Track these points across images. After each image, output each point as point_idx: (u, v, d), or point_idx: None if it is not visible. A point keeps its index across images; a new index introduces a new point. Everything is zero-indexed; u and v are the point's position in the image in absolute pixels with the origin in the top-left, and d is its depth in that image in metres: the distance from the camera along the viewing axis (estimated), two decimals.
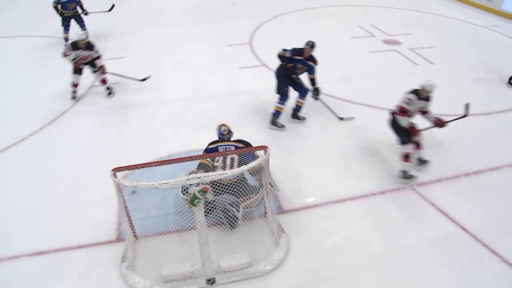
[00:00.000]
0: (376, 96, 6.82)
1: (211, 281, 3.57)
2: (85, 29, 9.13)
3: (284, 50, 5.78)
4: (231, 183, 3.86)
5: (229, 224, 4.02)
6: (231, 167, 4.01)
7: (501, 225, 4.31)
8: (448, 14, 11.52)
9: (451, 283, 3.68)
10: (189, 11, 11.76)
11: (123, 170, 3.49)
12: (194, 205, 3.18)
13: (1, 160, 5.56)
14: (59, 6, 8.79)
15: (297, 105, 6.07)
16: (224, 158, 4.16)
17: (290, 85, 5.88)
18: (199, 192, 3.11)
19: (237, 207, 4.03)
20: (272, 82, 5.93)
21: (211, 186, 3.61)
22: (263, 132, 5.86)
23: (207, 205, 3.84)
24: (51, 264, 3.96)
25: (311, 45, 5.81)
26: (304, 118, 6.16)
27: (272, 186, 4.19)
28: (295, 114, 6.14)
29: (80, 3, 9.05)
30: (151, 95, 6.99)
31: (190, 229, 4.02)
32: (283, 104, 5.86)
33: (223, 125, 4.72)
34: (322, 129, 5.98)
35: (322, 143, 5.67)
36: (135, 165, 3.48)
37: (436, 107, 6.47)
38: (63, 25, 9.06)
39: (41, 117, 6.44)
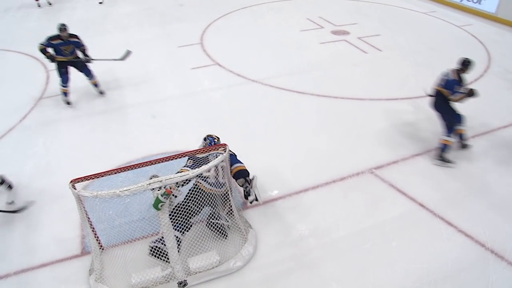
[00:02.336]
0: (330, 86, 7.00)
1: (182, 284, 3.55)
2: (91, 77, 6.88)
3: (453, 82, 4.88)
4: (219, 195, 3.91)
5: (220, 234, 3.98)
6: (223, 175, 3.96)
7: (454, 199, 4.56)
8: (390, 3, 11.96)
9: (415, 258, 3.85)
10: (136, 15, 11.50)
11: (82, 181, 3.39)
12: (158, 209, 3.15)
13: None
14: (49, 49, 6.36)
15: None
16: (216, 167, 3.94)
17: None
18: (162, 195, 3.09)
19: (217, 217, 3.99)
20: (225, 80, 5.93)
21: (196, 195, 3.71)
22: (220, 129, 5.83)
23: (183, 225, 3.80)
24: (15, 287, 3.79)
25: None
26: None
27: (256, 199, 4.20)
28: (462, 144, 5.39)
29: (82, 46, 6.57)
30: (102, 102, 6.83)
31: (156, 234, 3.98)
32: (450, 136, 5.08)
33: (210, 135, 4.63)
34: (278, 123, 6.06)
35: (278, 136, 5.76)
36: (93, 174, 3.40)
37: (385, 91, 6.80)
38: (59, 75, 6.60)
39: None
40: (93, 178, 3.41)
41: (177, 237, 3.63)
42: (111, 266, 3.76)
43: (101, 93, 7.04)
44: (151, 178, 3.22)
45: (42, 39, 6.34)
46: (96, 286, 3.59)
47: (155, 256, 3.67)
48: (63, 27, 6.23)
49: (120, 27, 10.61)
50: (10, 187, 4.78)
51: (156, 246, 3.66)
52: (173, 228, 3.60)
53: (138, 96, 7.00)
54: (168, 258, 3.56)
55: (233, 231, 4.05)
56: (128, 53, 7.04)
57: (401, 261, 3.84)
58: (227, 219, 4.04)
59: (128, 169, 3.50)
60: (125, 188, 3.09)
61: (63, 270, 3.91)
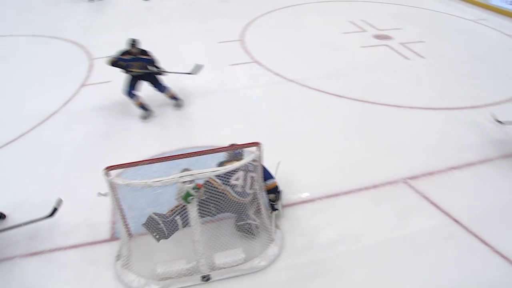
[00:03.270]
0: (367, 91, 6.86)
1: (206, 278, 3.57)
2: (166, 91, 6.43)
3: None
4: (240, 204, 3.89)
5: (249, 235, 3.97)
6: (251, 185, 3.97)
7: (492, 216, 4.35)
8: (437, 9, 11.62)
9: (443, 274, 3.71)
10: (179, 9, 11.71)
11: (116, 169, 3.47)
12: (188, 202, 3.18)
13: None
14: (121, 63, 6.02)
15: None
16: (245, 177, 3.98)
17: None
18: (193, 189, 3.11)
19: (245, 217, 3.97)
20: (263, 79, 5.92)
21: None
22: (255, 127, 5.86)
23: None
24: (46, 265, 3.93)
25: None
26: None
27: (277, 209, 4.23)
28: None
29: (153, 62, 6.16)
30: (143, 94, 6.96)
31: (184, 226, 4.01)
32: None
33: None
34: (313, 125, 5.99)
35: (312, 137, 5.69)
36: (127, 163, 3.47)
37: (425, 100, 6.59)
38: (127, 87, 6.14)
39: (31, 117, 6.38)
40: (127, 167, 3.48)
41: (176, 223, 3.69)
42: (138, 254, 3.84)
43: (179, 105, 6.53)
44: (182, 171, 3.25)
45: (93, 32, 6.53)
46: (122, 272, 3.66)
47: (147, 227, 3.67)
48: (133, 43, 5.90)
49: (162, 21, 10.82)
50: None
51: (152, 218, 3.67)
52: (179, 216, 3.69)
53: (174, 89, 7.09)
54: (158, 235, 3.61)
55: (260, 230, 4.03)
56: (198, 67, 6.72)
57: (430, 275, 3.71)
58: (255, 218, 4.02)
59: (161, 161, 3.55)
60: (156, 179, 3.14)
61: (92, 253, 4.02)
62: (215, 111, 6.37)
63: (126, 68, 5.98)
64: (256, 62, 7.99)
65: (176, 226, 3.72)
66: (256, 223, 3.98)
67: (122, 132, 5.93)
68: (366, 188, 4.74)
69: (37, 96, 7.15)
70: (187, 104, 6.55)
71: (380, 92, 6.83)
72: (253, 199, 4.03)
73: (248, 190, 3.92)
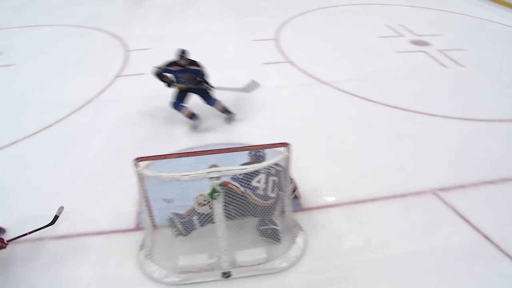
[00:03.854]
0: (401, 97, 6.70)
1: (226, 275, 3.58)
2: (216, 104, 5.96)
3: None
4: (261, 207, 3.87)
5: (273, 239, 3.93)
6: (273, 189, 3.95)
7: None
8: (479, 15, 11.21)
9: None
10: (216, 5, 11.79)
11: (145, 160, 3.53)
12: (214, 199, 3.20)
13: (28, 145, 5.72)
14: (169, 75, 5.78)
15: None
16: (267, 180, 3.97)
17: None
18: (219, 186, 3.12)
19: (268, 222, 3.94)
20: (296, 79, 5.88)
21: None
22: (285, 128, 5.82)
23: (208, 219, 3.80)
24: (72, 248, 4.05)
25: None
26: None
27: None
28: None
29: (202, 74, 5.77)
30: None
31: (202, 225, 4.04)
32: None
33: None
34: (344, 128, 5.90)
35: (342, 141, 5.62)
36: (157, 155, 3.52)
37: (462, 110, 6.39)
38: (174, 99, 5.83)
39: (67, 105, 6.59)
40: (156, 159, 3.53)
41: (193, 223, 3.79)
42: (161, 246, 3.90)
43: (231, 120, 6.07)
44: (210, 167, 3.27)
45: (131, 24, 6.64)
46: (144, 262, 3.72)
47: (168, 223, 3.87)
48: (182, 54, 5.52)
49: (199, 16, 10.93)
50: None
51: (171, 219, 3.85)
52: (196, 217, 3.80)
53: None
54: (176, 232, 3.82)
55: (283, 231, 4.01)
56: (254, 84, 6.42)
57: None
58: (278, 223, 3.96)
59: (190, 155, 3.58)
60: (184, 173, 3.16)
61: (117, 240, 4.11)
62: (245, 109, 6.37)
63: (171, 83, 5.70)
64: (290, 62, 7.95)
65: (192, 226, 3.82)
66: (279, 228, 3.93)
67: (153, 124, 6.02)
68: (394, 197, 4.64)
69: (74, 84, 7.39)
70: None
71: (414, 99, 6.67)
72: (276, 202, 4.00)
73: (270, 194, 3.89)
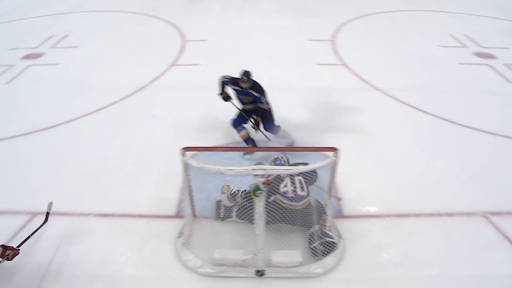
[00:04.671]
0: (458, 111, 6.37)
1: (260, 273, 3.57)
2: (275, 132, 5.31)
3: None
4: (299, 211, 3.85)
5: (331, 252, 3.82)
6: (302, 187, 3.92)
7: None
8: None
9: None
10: (274, 2, 11.76)
11: (192, 150, 3.58)
12: (256, 196, 3.19)
13: (84, 124, 6.01)
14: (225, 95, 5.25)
15: None
16: (292, 181, 3.96)
17: None
18: (263, 184, 3.12)
19: (317, 237, 3.86)
20: (349, 83, 5.75)
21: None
22: (333, 131, 5.72)
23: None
24: (113, 227, 4.22)
25: None
26: None
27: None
28: None
29: (262, 104, 5.10)
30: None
31: (238, 218, 4.07)
32: None
33: (277, 157, 4.46)
34: (394, 138, 5.71)
35: (391, 151, 5.43)
36: (204, 147, 3.57)
37: None
38: (237, 116, 5.26)
39: (123, 88, 6.85)
40: (202, 150, 3.58)
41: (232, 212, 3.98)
42: (199, 236, 3.95)
43: (291, 145, 5.45)
44: (256, 164, 3.27)
45: (189, 15, 6.73)
46: (181, 250, 3.79)
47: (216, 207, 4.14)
48: (245, 78, 4.88)
49: (256, 11, 10.95)
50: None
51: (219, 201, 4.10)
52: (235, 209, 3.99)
53: (257, 80, 7.14)
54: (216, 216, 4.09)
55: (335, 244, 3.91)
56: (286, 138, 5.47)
57: None
58: (329, 233, 3.86)
59: (236, 150, 3.61)
60: (229, 168, 3.18)
61: (157, 225, 4.22)
62: (294, 108, 6.32)
63: (227, 98, 5.24)
64: (345, 65, 7.79)
65: (230, 214, 4.06)
66: (335, 239, 3.83)
67: (203, 115, 6.10)
68: (440, 215, 4.43)
69: (130, 69, 7.68)
70: (270, 98, 6.54)
71: (473, 115, 6.32)
72: (309, 206, 3.95)
73: (300, 192, 3.85)
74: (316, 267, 3.65)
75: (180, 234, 3.96)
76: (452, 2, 11.80)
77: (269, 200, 3.75)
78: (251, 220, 3.56)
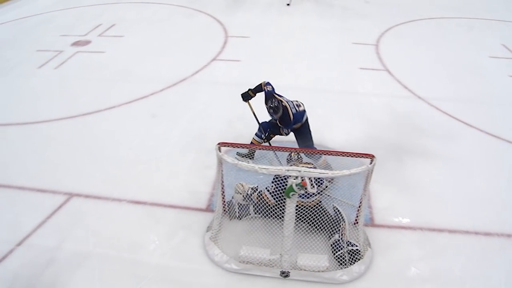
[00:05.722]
0: (504, 126, 6.07)
1: (285, 274, 3.55)
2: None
3: None
4: (307, 208, 3.79)
5: (357, 261, 3.75)
6: (311, 186, 3.79)
7: None
8: None
9: None
10: (320, 2, 11.64)
11: (228, 146, 3.60)
12: (289, 197, 3.18)
13: (124, 112, 6.20)
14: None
15: None
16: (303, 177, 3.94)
17: None
18: (296, 185, 3.09)
19: (348, 245, 3.76)
20: (390, 89, 5.59)
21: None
22: (370, 137, 5.61)
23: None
24: (144, 215, 4.31)
25: None
26: None
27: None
28: None
29: (278, 120, 4.57)
30: (267, 77, 7.06)
31: (277, 218, 4.04)
32: None
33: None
34: (434, 150, 5.52)
35: (430, 163, 5.24)
36: (239, 143, 3.58)
37: None
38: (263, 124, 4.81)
39: (163, 80, 7.00)
40: (239, 146, 3.59)
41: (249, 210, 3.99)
42: (227, 231, 3.97)
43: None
44: (291, 165, 3.25)
45: (234, 11, 6.78)
46: (209, 243, 3.82)
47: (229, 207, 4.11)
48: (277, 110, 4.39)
49: (301, 11, 10.87)
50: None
51: (231, 202, 4.10)
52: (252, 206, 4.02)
53: (297, 80, 7.13)
54: (230, 215, 4.09)
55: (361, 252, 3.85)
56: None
57: None
58: (354, 242, 3.79)
59: (272, 149, 3.60)
60: (264, 166, 3.17)
61: (186, 217, 4.28)
62: (332, 110, 6.25)
63: (247, 98, 4.81)
64: (387, 70, 7.60)
65: (248, 211, 4.08)
66: (358, 247, 3.75)
67: (242, 112, 6.07)
68: (476, 233, 4.24)
69: (172, 61, 7.83)
70: (308, 99, 6.46)
71: None
72: (336, 215, 3.92)
73: (310, 189, 3.70)
74: (342, 274, 3.59)
75: (209, 228, 4.00)
76: (506, 11, 11.25)
77: (271, 203, 3.78)
78: (269, 216, 3.68)
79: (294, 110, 4.49)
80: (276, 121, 4.56)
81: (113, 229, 4.15)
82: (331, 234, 3.87)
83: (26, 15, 10.71)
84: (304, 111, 4.63)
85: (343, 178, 4.25)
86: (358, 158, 3.62)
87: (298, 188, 3.11)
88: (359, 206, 3.89)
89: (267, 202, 3.93)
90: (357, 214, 3.95)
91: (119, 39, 9.01)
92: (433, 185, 4.87)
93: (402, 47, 8.75)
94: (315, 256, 3.64)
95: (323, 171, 3.19)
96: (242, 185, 4.13)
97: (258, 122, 4.83)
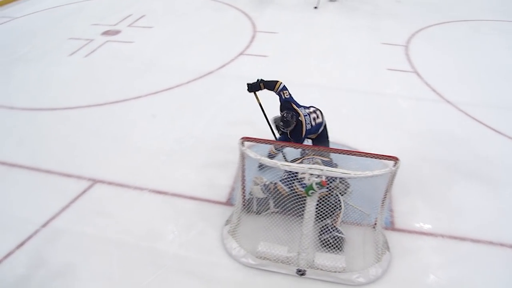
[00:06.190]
0: None
1: (301, 272, 3.54)
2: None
3: None
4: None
5: (335, 249, 3.78)
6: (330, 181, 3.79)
7: None
8: None
9: None
10: (350, 1, 11.46)
11: (251, 141, 3.61)
12: (309, 196, 3.16)
13: (149, 102, 6.31)
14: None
15: None
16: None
17: None
18: (316, 184, 3.08)
19: (331, 229, 3.82)
20: (418, 92, 5.44)
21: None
22: (394, 140, 5.50)
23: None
24: (165, 205, 4.38)
25: None
26: None
27: None
28: None
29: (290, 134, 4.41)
30: (293, 74, 7.07)
31: (296, 216, 4.02)
32: None
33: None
34: (462, 156, 5.39)
35: (456, 171, 5.08)
36: (263, 139, 3.58)
37: None
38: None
39: (190, 72, 7.07)
40: (262, 142, 3.60)
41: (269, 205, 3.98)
42: (246, 226, 3.98)
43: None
44: (313, 164, 3.24)
45: (264, 6, 6.77)
46: (227, 237, 3.85)
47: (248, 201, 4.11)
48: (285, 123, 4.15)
49: (331, 9, 10.74)
50: None
51: (250, 198, 4.09)
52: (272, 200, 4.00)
53: (323, 78, 7.07)
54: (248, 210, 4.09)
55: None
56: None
57: None
58: (342, 230, 3.83)
59: (295, 146, 3.58)
60: (286, 163, 3.17)
61: (206, 209, 4.32)
62: (358, 111, 6.17)
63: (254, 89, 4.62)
64: (416, 73, 7.43)
65: (267, 206, 4.04)
66: (344, 235, 3.80)
67: (265, 107, 6.10)
68: (502, 245, 4.10)
69: (199, 54, 7.90)
70: (332, 98, 6.44)
71: None
72: (335, 203, 3.86)
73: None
74: (359, 276, 3.55)
75: (228, 222, 4.02)
76: None
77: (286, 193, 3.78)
78: (287, 209, 3.70)
79: (309, 126, 4.26)
80: (284, 130, 4.25)
81: (133, 217, 4.23)
82: (323, 218, 3.82)
83: (59, 4, 10.99)
84: (321, 123, 4.47)
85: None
86: (381, 160, 3.57)
87: (318, 187, 3.09)
88: (380, 209, 3.83)
89: (282, 193, 3.92)
90: (377, 216, 3.90)
91: (148, 30, 9.13)
92: (458, 191, 4.75)
93: (432, 49, 8.54)
94: (332, 256, 3.62)
95: (345, 171, 3.16)
96: (261, 177, 4.15)
97: (266, 117, 4.70)
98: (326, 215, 3.78)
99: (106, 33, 8.94)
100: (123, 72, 7.27)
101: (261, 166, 4.53)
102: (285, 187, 3.92)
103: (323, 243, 3.78)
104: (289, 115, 4.10)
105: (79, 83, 6.95)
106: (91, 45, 8.37)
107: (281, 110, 4.33)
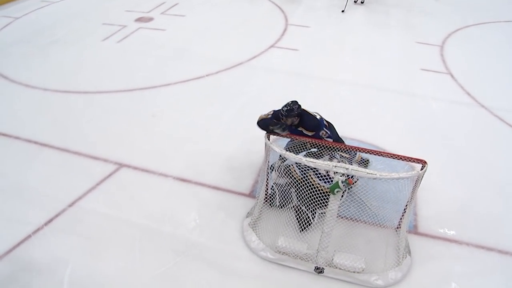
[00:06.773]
0: None
1: (319, 270, 3.53)
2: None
3: None
4: (326, 194, 3.63)
5: (300, 226, 3.87)
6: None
7: None
8: None
9: None
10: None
11: (277, 135, 3.60)
12: (334, 194, 3.13)
13: (179, 90, 6.38)
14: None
15: None
16: (331, 160, 3.84)
17: None
18: (342, 182, 3.04)
19: (313, 213, 3.84)
20: (451, 94, 5.26)
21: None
22: (426, 145, 5.36)
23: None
24: (187, 193, 4.44)
25: None
26: None
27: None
28: None
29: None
30: (323, 69, 7.00)
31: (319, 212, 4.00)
32: None
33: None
34: (493, 164, 5.20)
35: (486, 178, 4.91)
36: (290, 134, 3.56)
37: None
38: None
39: (220, 62, 7.09)
40: (287, 137, 3.59)
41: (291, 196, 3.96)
42: (266, 220, 3.99)
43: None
44: (340, 162, 3.20)
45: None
46: (247, 229, 3.86)
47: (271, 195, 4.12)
48: (285, 112, 3.81)
49: (365, 7, 10.49)
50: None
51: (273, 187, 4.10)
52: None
53: (353, 75, 6.95)
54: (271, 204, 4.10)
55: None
56: None
57: None
58: (316, 217, 3.86)
59: (321, 143, 3.55)
60: (311, 160, 3.14)
61: (228, 199, 4.35)
62: (387, 110, 6.05)
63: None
64: (450, 74, 7.19)
65: (290, 198, 4.00)
66: (314, 221, 3.87)
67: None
68: None
69: (231, 45, 7.91)
70: (362, 96, 6.33)
71: None
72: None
73: (333, 175, 3.47)
74: (377, 278, 3.51)
75: (249, 214, 4.03)
76: None
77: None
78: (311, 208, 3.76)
79: (325, 122, 4.00)
80: (294, 128, 3.87)
81: (156, 202, 4.30)
82: (313, 206, 3.81)
83: None
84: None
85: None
86: (408, 162, 3.49)
87: (344, 186, 3.06)
88: (404, 212, 3.76)
89: (294, 177, 3.90)
90: (400, 218, 3.83)
91: (180, 18, 9.20)
92: (487, 199, 4.59)
93: (469, 50, 8.24)
94: (352, 256, 3.58)
95: (370, 171, 3.11)
96: (278, 162, 4.15)
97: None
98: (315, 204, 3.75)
99: (139, 19, 9.06)
100: (154, 59, 7.36)
101: (283, 160, 4.45)
102: (298, 171, 3.89)
103: (296, 212, 3.95)
104: (290, 102, 3.82)
105: (111, 68, 7.09)
106: (124, 31, 8.50)
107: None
